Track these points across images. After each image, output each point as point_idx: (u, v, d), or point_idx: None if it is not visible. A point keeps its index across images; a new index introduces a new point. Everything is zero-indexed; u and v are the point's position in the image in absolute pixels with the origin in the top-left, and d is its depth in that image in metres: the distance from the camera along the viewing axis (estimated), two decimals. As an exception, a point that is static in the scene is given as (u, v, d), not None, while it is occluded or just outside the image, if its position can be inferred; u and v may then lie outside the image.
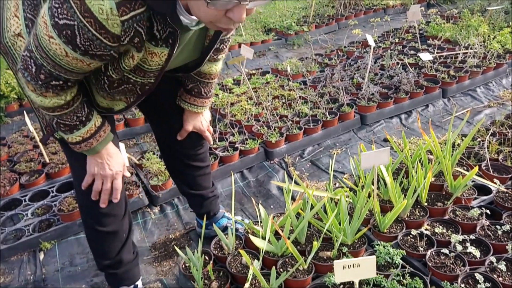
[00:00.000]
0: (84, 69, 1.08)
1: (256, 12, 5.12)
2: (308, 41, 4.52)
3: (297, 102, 2.91)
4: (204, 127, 1.62)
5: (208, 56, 1.35)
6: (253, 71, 3.66)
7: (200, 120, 1.61)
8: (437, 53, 3.40)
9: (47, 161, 2.45)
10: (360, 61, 3.46)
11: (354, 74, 3.23)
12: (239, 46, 4.41)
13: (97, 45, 0.99)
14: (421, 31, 4.04)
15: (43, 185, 2.32)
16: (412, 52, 3.55)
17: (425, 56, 3.06)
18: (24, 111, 2.84)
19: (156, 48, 1.10)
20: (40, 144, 2.47)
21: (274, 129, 2.59)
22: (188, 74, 1.49)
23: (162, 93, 1.52)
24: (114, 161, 1.34)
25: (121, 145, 1.82)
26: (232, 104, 3.05)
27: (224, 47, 1.48)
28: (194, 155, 1.67)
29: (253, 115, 2.81)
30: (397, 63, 3.32)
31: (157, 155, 2.44)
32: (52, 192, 2.25)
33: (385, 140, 2.60)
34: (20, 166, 2.43)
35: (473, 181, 1.88)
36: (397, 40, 3.89)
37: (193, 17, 1.06)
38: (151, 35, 1.06)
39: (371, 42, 2.99)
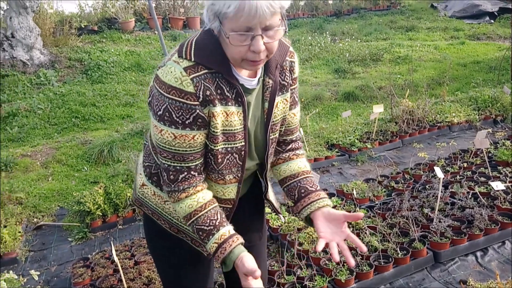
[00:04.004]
0: (192, 145, 1.30)
1: (319, 127, 5.35)
2: (372, 158, 4.60)
3: (365, 233, 2.91)
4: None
5: (272, 134, 1.44)
6: (319, 192, 3.73)
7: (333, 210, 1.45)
8: (509, 182, 3.32)
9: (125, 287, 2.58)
10: (429, 186, 3.44)
11: (424, 203, 3.20)
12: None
13: (186, 110, 1.25)
14: (490, 155, 3.99)
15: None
16: (482, 178, 3.49)
17: (498, 186, 3.00)
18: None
19: (232, 107, 1.31)
20: (120, 270, 2.62)
21: (343, 265, 2.58)
22: (286, 188, 1.54)
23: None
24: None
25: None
26: (299, 230, 3.10)
27: (291, 135, 1.56)
28: None
29: (321, 246, 2.82)
30: (468, 192, 3.26)
31: None
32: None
33: (463, 282, 2.49)
34: (99, 291, 2.57)
35: None
36: (465, 164, 3.86)
37: (246, 76, 1.32)
38: (225, 97, 1.29)
39: (439, 174, 3.00)
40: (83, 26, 8.86)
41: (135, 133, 5.39)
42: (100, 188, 3.66)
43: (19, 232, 3.56)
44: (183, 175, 1.34)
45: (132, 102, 6.58)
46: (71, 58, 7.74)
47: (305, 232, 3.01)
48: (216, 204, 1.41)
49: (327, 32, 9.57)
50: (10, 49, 7.17)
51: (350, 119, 5.43)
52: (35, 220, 3.98)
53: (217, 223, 1.35)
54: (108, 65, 7.62)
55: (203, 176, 1.40)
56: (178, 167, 1.33)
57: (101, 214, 3.59)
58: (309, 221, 1.48)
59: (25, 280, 2.81)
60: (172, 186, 1.36)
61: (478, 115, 5.18)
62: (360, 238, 2.89)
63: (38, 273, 2.69)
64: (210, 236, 1.34)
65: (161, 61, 1.32)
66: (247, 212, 1.68)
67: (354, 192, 3.35)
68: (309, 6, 11.49)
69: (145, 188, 1.54)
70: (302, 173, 1.55)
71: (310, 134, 5.08)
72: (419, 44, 8.82)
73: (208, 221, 1.35)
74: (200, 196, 1.37)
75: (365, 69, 7.72)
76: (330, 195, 3.67)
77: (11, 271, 2.63)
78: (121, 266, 2.58)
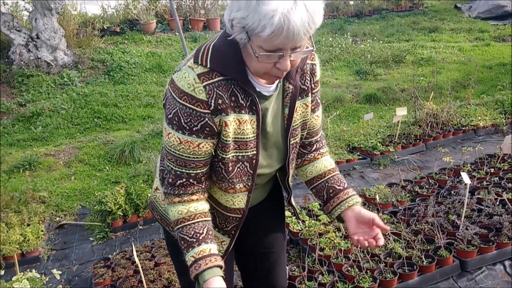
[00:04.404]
0: (196, 153, 1.28)
1: (339, 130, 5.28)
2: (395, 162, 4.51)
3: (389, 239, 2.84)
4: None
5: (292, 139, 1.41)
6: (340, 196, 3.67)
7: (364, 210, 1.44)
8: (540, 188, 3.20)
9: (145, 288, 2.59)
10: (454, 192, 3.35)
11: (449, 209, 3.12)
12: (324, 164, 4.51)
13: (195, 117, 1.23)
14: (518, 160, 3.86)
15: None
16: (510, 185, 3.38)
17: (527, 193, 2.90)
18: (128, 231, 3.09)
19: (245, 116, 1.28)
20: (141, 271, 2.62)
21: (366, 272, 2.53)
22: (314, 189, 1.53)
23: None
24: None
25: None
26: (320, 234, 3.06)
27: (315, 136, 1.53)
28: None
29: (342, 251, 2.78)
30: (495, 199, 3.16)
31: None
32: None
33: (490, 292, 2.41)
34: (120, 292, 2.58)
35: None
36: (492, 170, 3.74)
37: (264, 84, 1.29)
38: (239, 104, 1.27)
39: (466, 179, 2.91)
40: (105, 28, 8.98)
41: (155, 134, 5.42)
42: (121, 188, 3.69)
43: (42, 230, 3.62)
44: (182, 181, 1.32)
45: (153, 103, 6.63)
46: (93, 59, 7.85)
47: (326, 237, 2.97)
48: (208, 219, 1.36)
49: (348, 33, 9.47)
50: (35, 50, 7.32)
51: (372, 122, 5.34)
52: (58, 219, 4.03)
53: (200, 237, 1.30)
54: (130, 66, 7.71)
55: (203, 186, 1.37)
56: (178, 172, 1.32)
57: (122, 214, 3.61)
58: (341, 219, 1.48)
59: (47, 279, 2.84)
60: (169, 188, 1.34)
61: (505, 119, 5.03)
62: (383, 245, 2.83)
63: (60, 272, 2.73)
64: (190, 248, 1.30)
65: (178, 65, 1.30)
66: (267, 217, 1.66)
67: (377, 197, 3.28)
68: (330, 7, 11.38)
69: (158, 192, 1.53)
70: (328, 172, 1.53)
71: (331, 137, 5.02)
72: (443, 45, 8.64)
73: (192, 232, 1.31)
74: (193, 205, 1.34)
75: (387, 71, 7.60)
76: (352, 199, 3.60)
77: (33, 270, 2.66)
78: (142, 267, 2.58)
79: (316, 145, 1.57)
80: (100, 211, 3.73)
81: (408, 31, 9.77)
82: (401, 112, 4.66)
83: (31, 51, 7.30)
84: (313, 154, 1.55)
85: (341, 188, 1.49)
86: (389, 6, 11.43)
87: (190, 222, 1.32)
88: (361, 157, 4.69)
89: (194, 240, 1.30)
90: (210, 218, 1.37)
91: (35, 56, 7.30)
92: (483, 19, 10.41)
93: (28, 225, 3.63)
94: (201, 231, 1.32)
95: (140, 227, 3.70)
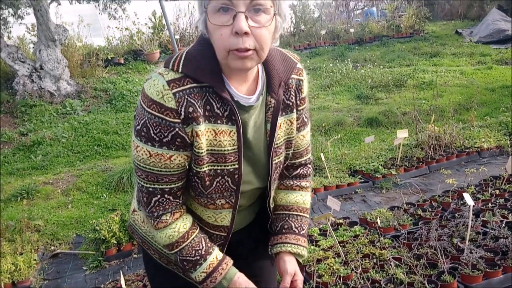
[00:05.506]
0: (168, 166, 1.18)
1: (341, 153, 5.21)
2: (398, 185, 4.40)
3: (390, 264, 2.72)
4: (298, 277, 1.39)
5: (276, 158, 1.32)
6: (340, 220, 3.57)
7: (296, 266, 1.39)
8: (548, 209, 3.07)
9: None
10: (458, 215, 3.23)
11: (453, 232, 2.99)
12: (325, 189, 4.42)
13: (165, 127, 1.13)
14: (524, 181, 3.75)
15: None
16: (517, 206, 3.26)
17: (535, 214, 2.78)
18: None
19: (223, 126, 1.19)
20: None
21: (366, 299, 2.40)
22: (274, 215, 1.45)
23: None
24: None
25: None
26: (318, 260, 2.94)
27: (300, 158, 1.44)
28: None
29: (341, 278, 2.65)
30: (501, 221, 3.04)
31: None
32: None
33: (498, 320, 2.26)
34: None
35: None
36: (497, 191, 3.63)
37: (243, 93, 1.21)
38: (214, 114, 1.18)
39: (469, 201, 2.80)
40: (109, 58, 9.13)
41: (155, 161, 5.37)
42: (116, 216, 3.61)
43: (34, 260, 3.52)
44: (156, 198, 1.23)
45: (153, 130, 6.62)
46: (96, 88, 7.94)
47: (325, 263, 2.85)
48: (198, 229, 1.30)
49: (349, 59, 9.53)
50: (38, 80, 7.42)
51: (373, 145, 5.27)
52: (52, 248, 3.95)
53: (203, 252, 1.25)
54: (132, 94, 7.77)
55: (180, 201, 1.28)
56: (150, 189, 1.22)
57: (116, 242, 3.52)
58: (275, 257, 1.43)
59: (36, 309, 2.74)
60: (147, 210, 1.24)
61: (509, 140, 4.94)
62: (384, 270, 2.71)
63: (49, 302, 2.62)
64: (197, 266, 1.24)
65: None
66: (255, 242, 1.55)
67: (378, 220, 3.17)
68: (331, 34, 11.52)
69: (136, 215, 1.44)
70: (297, 208, 1.43)
71: (332, 160, 4.94)
72: (444, 69, 8.64)
73: (193, 252, 1.24)
74: (181, 225, 1.26)
75: (388, 95, 7.58)
76: (353, 224, 3.50)
77: (21, 300, 2.56)
78: (131, 297, 2.48)
79: (301, 170, 1.46)
80: (94, 239, 3.64)
81: (409, 56, 9.82)
82: (402, 134, 4.59)
83: (34, 82, 7.40)
84: (292, 182, 1.46)
85: (296, 232, 1.41)
86: (390, 33, 11.55)
87: (186, 242, 1.25)
88: (363, 180, 4.59)
89: (198, 257, 1.25)
90: (198, 228, 1.30)
91: (39, 86, 7.39)
92: (485, 43, 10.46)
93: (21, 254, 3.54)
94: (200, 246, 1.26)
95: (135, 255, 3.59)
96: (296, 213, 1.43)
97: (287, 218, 1.42)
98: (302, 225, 1.43)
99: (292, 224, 1.41)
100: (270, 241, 1.44)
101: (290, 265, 1.37)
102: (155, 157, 1.17)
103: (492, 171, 4.26)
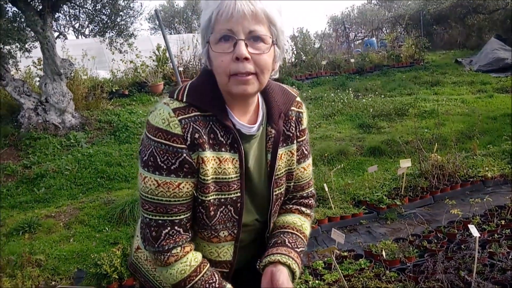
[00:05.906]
0: (177, 195, 1.18)
1: (344, 183, 5.18)
2: (402, 216, 4.35)
3: (396, 299, 2.66)
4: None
5: (277, 189, 1.31)
6: (345, 253, 3.51)
7: (287, 278, 1.27)
8: (556, 240, 3.02)
9: None
10: (464, 246, 3.18)
11: (460, 264, 2.94)
12: (329, 220, 4.38)
13: (172, 153, 1.15)
14: (530, 211, 3.70)
15: None
16: (524, 237, 3.21)
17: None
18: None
19: (227, 154, 1.21)
20: None
21: (373, 336, 2.33)
22: (271, 235, 1.40)
23: None
24: None
25: None
26: (322, 295, 2.88)
27: (301, 191, 1.42)
28: None
29: (347, 313, 2.59)
30: (507, 253, 2.98)
31: None
32: None
33: None
34: None
35: None
36: (503, 222, 3.58)
37: (245, 123, 1.24)
38: (218, 142, 1.20)
39: (475, 232, 2.77)
40: (114, 90, 9.26)
41: (157, 192, 5.36)
42: (117, 250, 3.57)
43: (34, 296, 3.47)
44: (166, 230, 1.20)
45: (156, 162, 6.63)
46: (101, 120, 8.01)
47: (330, 298, 2.79)
48: (208, 263, 1.28)
49: (350, 89, 9.62)
50: (43, 113, 7.51)
51: (377, 175, 5.25)
52: (53, 283, 3.88)
53: (217, 285, 1.22)
54: (136, 125, 7.83)
55: (190, 234, 1.27)
56: (160, 221, 1.20)
57: (117, 277, 3.46)
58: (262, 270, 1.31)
59: None
60: (156, 245, 1.21)
61: (514, 169, 4.91)
62: (390, 305, 2.65)
63: None
64: None
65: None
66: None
67: (384, 253, 3.13)
68: (331, 65, 11.69)
69: (139, 252, 1.42)
70: (293, 227, 1.38)
71: (335, 190, 4.91)
72: (445, 98, 8.71)
73: (207, 285, 1.22)
74: (192, 258, 1.24)
75: (390, 124, 7.60)
76: (358, 257, 3.44)
77: None
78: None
79: (302, 201, 1.45)
80: (96, 274, 3.59)
81: (410, 85, 9.91)
82: (405, 164, 4.58)
83: (39, 115, 7.48)
84: (292, 206, 1.45)
85: (290, 246, 1.33)
86: (390, 63, 11.71)
87: (199, 276, 1.23)
88: (367, 211, 4.55)
89: None
90: (208, 263, 1.28)
91: (43, 119, 7.47)
92: (485, 72, 10.57)
93: (21, 290, 3.49)
94: (213, 279, 1.24)
95: (136, 290, 3.54)
96: (291, 231, 1.37)
97: (280, 235, 1.36)
98: (297, 242, 1.35)
99: (286, 240, 1.34)
100: (260, 259, 1.34)
101: (282, 275, 1.24)
102: (164, 186, 1.17)
103: (497, 200, 4.21)
